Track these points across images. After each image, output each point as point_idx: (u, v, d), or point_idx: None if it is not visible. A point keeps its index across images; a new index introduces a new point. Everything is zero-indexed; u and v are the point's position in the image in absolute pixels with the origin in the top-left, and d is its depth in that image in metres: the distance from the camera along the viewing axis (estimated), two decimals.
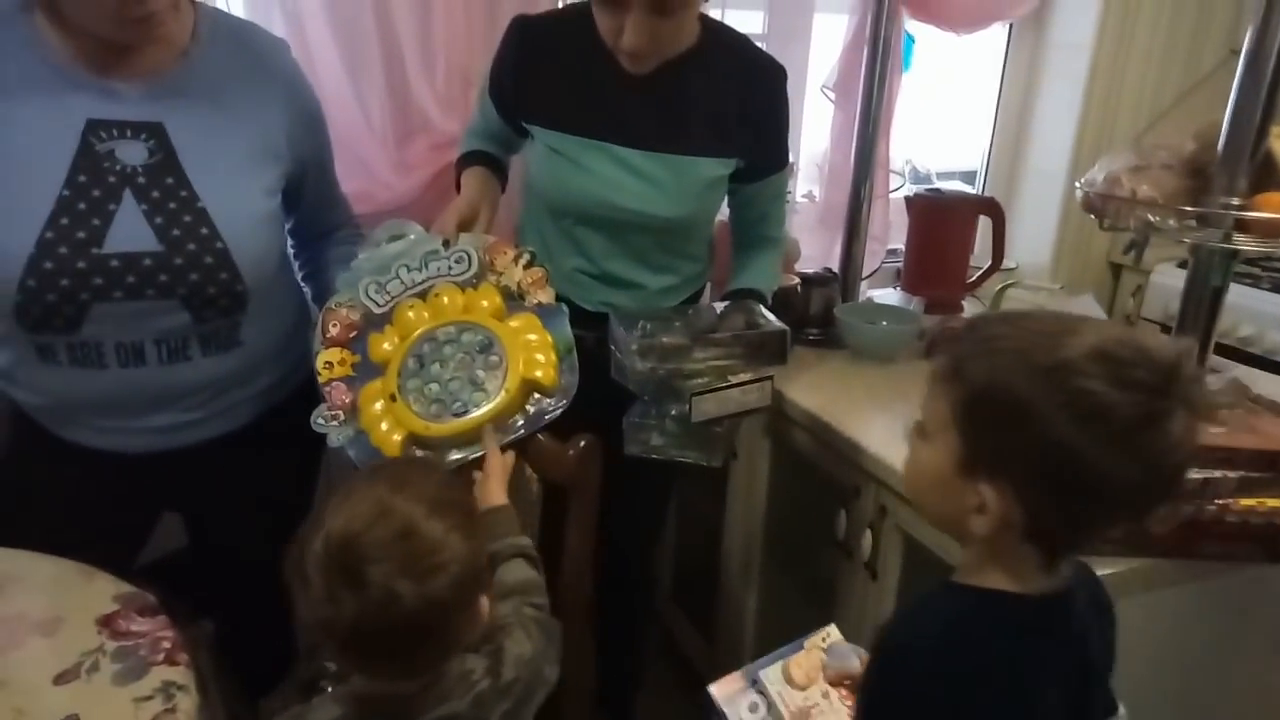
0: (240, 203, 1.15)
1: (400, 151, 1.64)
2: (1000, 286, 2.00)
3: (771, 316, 1.31)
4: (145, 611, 1.00)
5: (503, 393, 1.12)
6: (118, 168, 1.08)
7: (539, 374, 1.14)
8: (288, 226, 1.30)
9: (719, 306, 1.35)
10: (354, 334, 1.19)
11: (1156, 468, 0.69)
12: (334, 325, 1.19)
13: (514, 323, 1.19)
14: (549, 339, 1.18)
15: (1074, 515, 0.73)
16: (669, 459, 1.26)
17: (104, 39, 1.06)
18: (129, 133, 1.09)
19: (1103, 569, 1.08)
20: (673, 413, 1.24)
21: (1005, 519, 0.73)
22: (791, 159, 1.97)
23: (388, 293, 1.20)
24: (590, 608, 1.30)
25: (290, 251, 1.35)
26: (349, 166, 1.46)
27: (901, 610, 0.90)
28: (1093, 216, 1.30)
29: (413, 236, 1.24)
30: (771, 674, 1.04)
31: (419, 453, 1.12)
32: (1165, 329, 1.96)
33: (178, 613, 1.02)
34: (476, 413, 1.12)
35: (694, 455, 1.27)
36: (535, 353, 1.16)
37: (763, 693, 1.03)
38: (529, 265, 1.24)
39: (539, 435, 1.18)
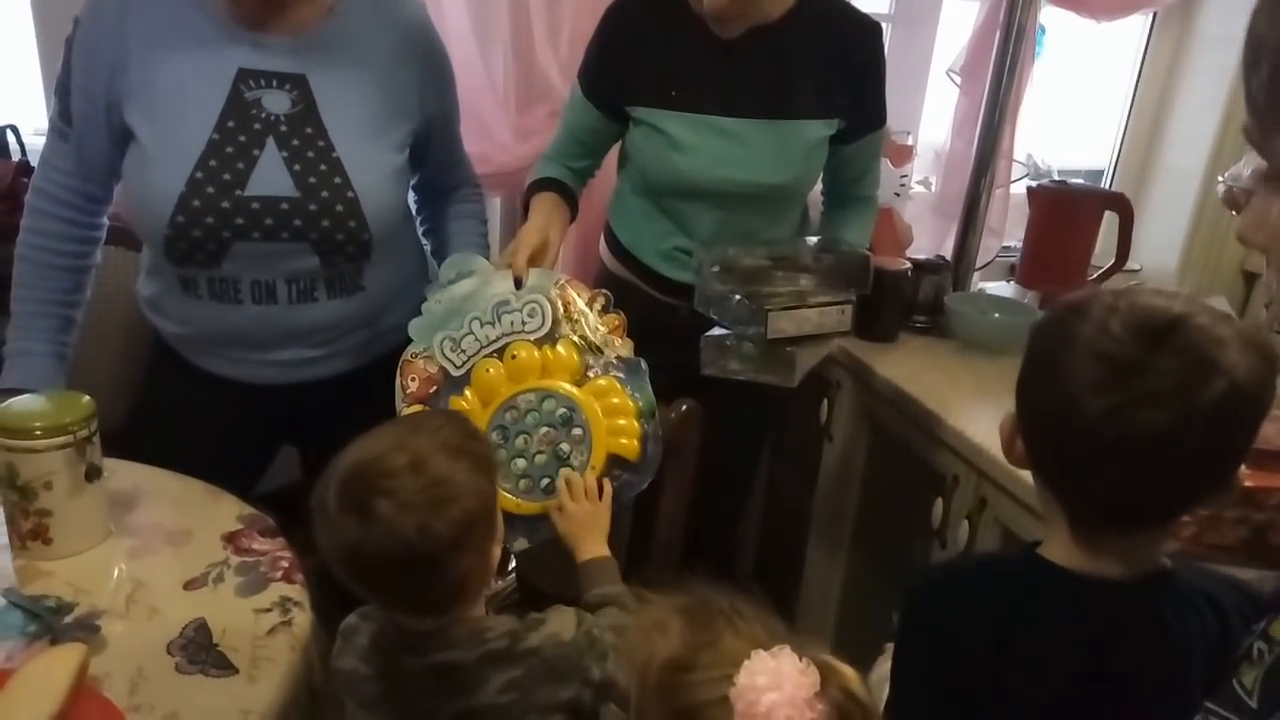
0: (372, 156, 1.20)
1: (521, 116, 1.67)
2: (1122, 288, 1.92)
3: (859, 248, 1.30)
4: (266, 532, 1.06)
5: (589, 470, 1.12)
6: (263, 115, 1.14)
7: (623, 445, 1.13)
8: (412, 182, 1.34)
9: (810, 240, 1.35)
10: (434, 389, 1.17)
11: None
12: (413, 380, 1.17)
13: (594, 385, 1.15)
14: (630, 404, 1.15)
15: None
16: (747, 379, 1.26)
17: None
18: (275, 83, 1.15)
19: None
20: (750, 333, 1.24)
21: None
22: (910, 142, 1.94)
23: (463, 351, 1.17)
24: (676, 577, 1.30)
25: (413, 207, 1.40)
26: (470, 128, 1.50)
27: None
28: (1233, 214, 1.23)
29: (479, 272, 1.20)
30: None
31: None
32: None
33: (290, 545, 1.07)
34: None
35: (770, 377, 1.26)
36: (618, 419, 1.14)
37: None
38: (604, 310, 1.19)
39: None
